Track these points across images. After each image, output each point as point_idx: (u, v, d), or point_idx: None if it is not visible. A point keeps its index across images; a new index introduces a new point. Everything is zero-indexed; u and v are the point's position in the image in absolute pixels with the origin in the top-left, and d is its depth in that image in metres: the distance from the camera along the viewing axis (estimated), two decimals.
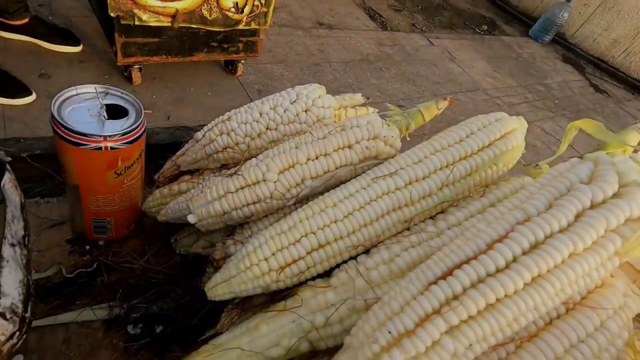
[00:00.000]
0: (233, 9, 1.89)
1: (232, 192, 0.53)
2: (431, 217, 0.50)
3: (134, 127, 0.55)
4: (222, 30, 1.83)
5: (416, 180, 0.47)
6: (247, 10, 1.94)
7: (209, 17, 1.86)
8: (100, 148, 0.53)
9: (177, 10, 1.76)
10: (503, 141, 0.49)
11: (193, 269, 0.67)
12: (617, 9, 3.97)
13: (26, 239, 0.43)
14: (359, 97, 0.69)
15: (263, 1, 1.92)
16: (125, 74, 1.87)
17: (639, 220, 0.31)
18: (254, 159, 0.56)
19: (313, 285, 0.46)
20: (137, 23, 1.69)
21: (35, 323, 0.58)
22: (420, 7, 3.80)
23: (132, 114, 0.58)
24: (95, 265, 0.67)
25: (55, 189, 0.74)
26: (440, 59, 3.14)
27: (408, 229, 0.49)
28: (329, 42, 2.70)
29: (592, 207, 0.32)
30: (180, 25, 1.79)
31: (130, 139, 0.55)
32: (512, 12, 4.66)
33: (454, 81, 2.95)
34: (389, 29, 3.20)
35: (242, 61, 2.09)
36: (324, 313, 0.43)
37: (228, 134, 0.64)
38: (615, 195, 0.32)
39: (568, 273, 0.31)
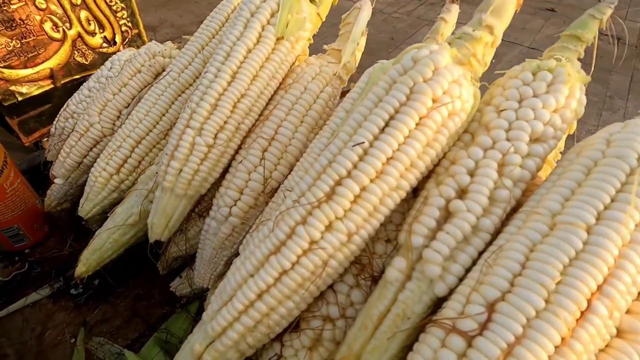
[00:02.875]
0: (105, 44, 1.99)
1: (74, 146, 0.67)
2: None
3: None
4: None
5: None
6: (118, 39, 2.03)
7: (86, 62, 1.95)
8: None
9: (51, 70, 1.85)
10: None
11: None
12: None
13: None
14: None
15: (130, 25, 2.02)
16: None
17: None
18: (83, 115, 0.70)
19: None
20: (20, 99, 1.78)
21: None
22: None
23: None
24: (27, 265, 0.81)
25: None
26: None
27: None
28: None
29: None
30: (63, 81, 1.89)
31: None
32: None
33: None
34: None
35: None
36: (153, 178, 0.58)
37: (72, 116, 0.78)
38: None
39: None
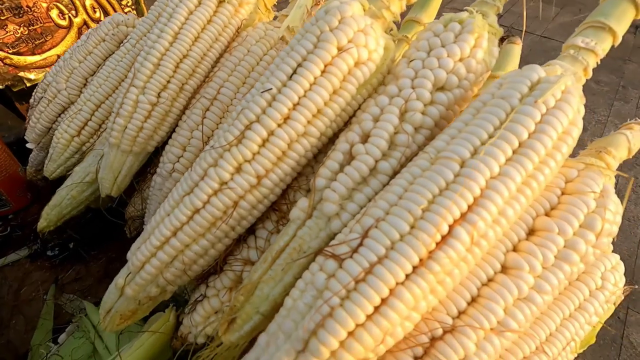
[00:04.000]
0: None
1: (43, 112, 0.71)
2: None
3: None
4: None
5: None
6: None
7: None
8: None
9: (58, 57, 1.92)
10: None
11: None
12: None
13: None
14: None
15: (135, 12, 2.07)
16: None
17: None
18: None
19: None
20: (29, 85, 1.86)
21: None
22: None
23: None
24: (8, 229, 0.87)
25: None
26: None
27: None
28: None
29: None
30: None
31: None
32: None
33: None
34: None
35: None
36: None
37: (48, 87, 0.82)
38: None
39: None
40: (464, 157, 0.32)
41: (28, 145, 0.75)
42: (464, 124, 0.35)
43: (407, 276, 0.30)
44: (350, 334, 0.29)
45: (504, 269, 0.36)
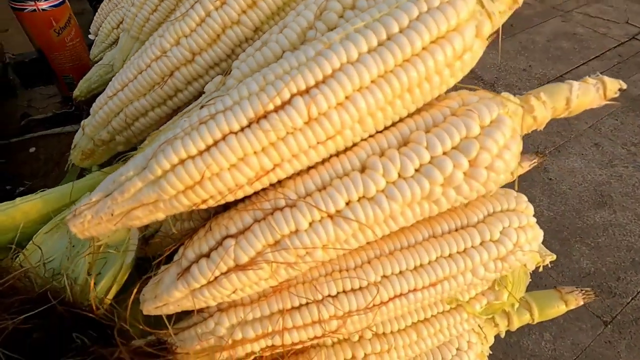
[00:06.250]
0: None
1: (103, 8, 0.86)
2: None
3: None
4: None
5: None
6: None
7: None
8: (35, 10, 0.91)
9: None
10: None
11: None
12: None
13: None
14: None
15: None
16: None
17: None
18: None
19: None
20: None
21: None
22: None
23: None
24: (74, 107, 1.07)
25: None
26: None
27: None
28: None
29: None
30: None
31: (56, 2, 0.93)
32: None
33: None
34: None
35: None
36: None
37: None
38: None
39: None
40: (332, 40, 0.34)
41: (89, 37, 0.92)
42: (355, 16, 0.36)
43: (241, 129, 0.33)
44: (181, 162, 0.34)
45: (363, 168, 0.37)
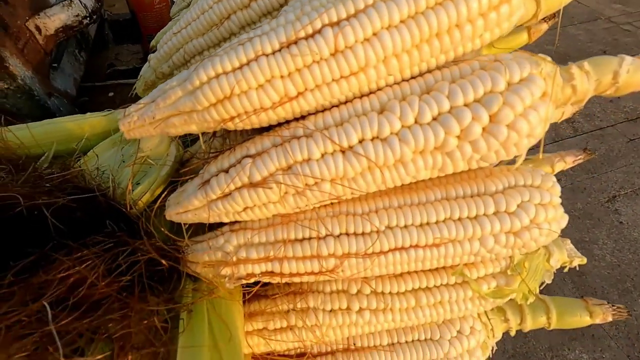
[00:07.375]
0: None
1: None
2: None
3: None
4: None
5: None
6: None
7: None
8: None
9: None
10: None
11: None
12: None
13: None
14: None
15: None
16: None
17: None
18: None
19: None
20: None
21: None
22: None
23: None
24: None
25: None
26: None
27: None
28: None
29: None
30: None
31: None
32: None
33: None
34: None
35: None
36: None
37: None
38: None
39: None
40: None
41: None
42: None
43: (272, 52, 0.36)
44: (216, 76, 0.37)
45: (382, 110, 0.38)
